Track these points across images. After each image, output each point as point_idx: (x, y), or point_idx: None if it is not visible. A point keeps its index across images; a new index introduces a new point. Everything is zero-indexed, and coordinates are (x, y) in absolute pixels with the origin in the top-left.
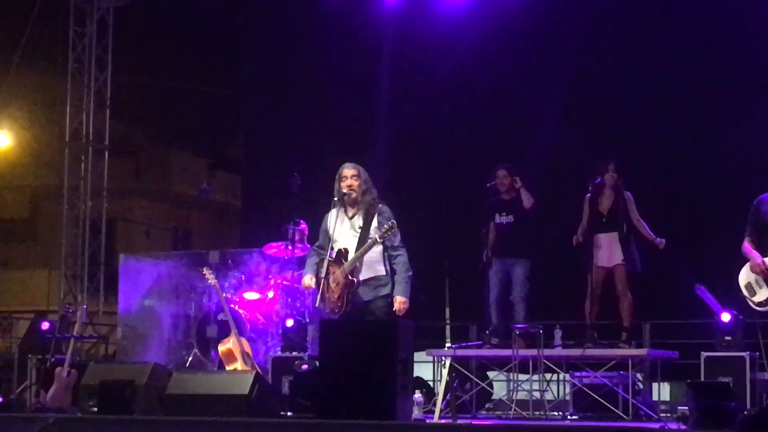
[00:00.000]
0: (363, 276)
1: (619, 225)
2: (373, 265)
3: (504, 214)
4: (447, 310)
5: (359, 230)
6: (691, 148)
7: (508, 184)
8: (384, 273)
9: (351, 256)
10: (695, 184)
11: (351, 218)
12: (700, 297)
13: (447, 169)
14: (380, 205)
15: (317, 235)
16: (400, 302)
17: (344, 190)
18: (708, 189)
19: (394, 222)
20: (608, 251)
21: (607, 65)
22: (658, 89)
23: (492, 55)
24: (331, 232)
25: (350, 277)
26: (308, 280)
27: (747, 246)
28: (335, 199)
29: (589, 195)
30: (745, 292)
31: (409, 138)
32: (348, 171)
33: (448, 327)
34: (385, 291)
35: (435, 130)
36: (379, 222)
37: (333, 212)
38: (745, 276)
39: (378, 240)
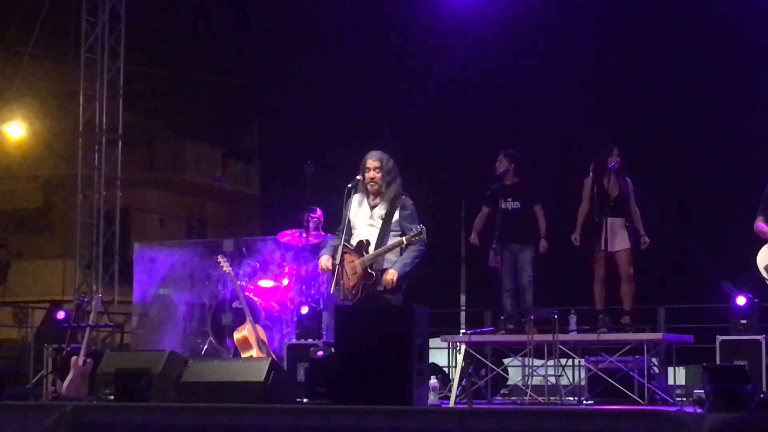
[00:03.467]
0: (381, 268)
1: (626, 211)
2: (391, 256)
3: (510, 200)
4: (462, 297)
5: (380, 221)
6: (703, 130)
7: (503, 169)
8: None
9: (372, 248)
10: (708, 166)
11: (373, 207)
12: (726, 293)
13: (462, 155)
14: (403, 197)
15: (334, 222)
16: (391, 274)
17: (367, 182)
18: (721, 172)
19: (424, 228)
20: (614, 236)
21: (617, 50)
22: (668, 72)
23: (504, 42)
24: (351, 217)
25: (369, 271)
26: (325, 261)
27: (762, 225)
28: (349, 186)
29: (589, 177)
30: (764, 273)
31: (423, 124)
32: (371, 162)
33: (463, 314)
34: (402, 283)
35: (449, 117)
36: (401, 215)
37: (356, 197)
38: (765, 256)
39: (404, 242)
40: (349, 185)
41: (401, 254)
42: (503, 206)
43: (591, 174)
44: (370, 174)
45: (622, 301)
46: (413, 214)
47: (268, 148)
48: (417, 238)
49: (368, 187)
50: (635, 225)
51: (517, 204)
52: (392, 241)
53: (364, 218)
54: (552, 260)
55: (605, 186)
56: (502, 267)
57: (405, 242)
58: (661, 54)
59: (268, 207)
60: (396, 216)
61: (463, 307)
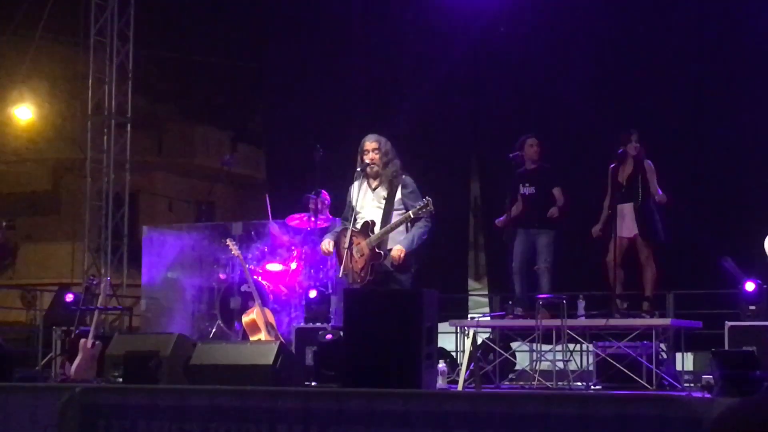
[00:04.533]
0: (387, 247)
1: (635, 195)
2: (397, 236)
3: (527, 185)
4: (470, 282)
5: (383, 201)
6: (716, 116)
7: (535, 152)
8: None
9: (377, 228)
10: (719, 152)
11: (374, 189)
12: (726, 269)
13: (468, 141)
14: (403, 176)
15: (340, 206)
16: (398, 250)
17: (366, 163)
18: (732, 158)
19: (430, 200)
20: (628, 221)
21: (633, 34)
22: (684, 59)
23: (516, 26)
24: (354, 203)
25: (377, 250)
26: (326, 245)
27: None
28: (358, 170)
29: (613, 165)
30: None
31: (432, 108)
32: (369, 144)
33: (484, 297)
34: (410, 264)
35: (458, 101)
36: (403, 193)
37: (356, 184)
38: None
39: (411, 216)
40: (358, 169)
41: (407, 232)
42: (521, 191)
43: (615, 161)
44: (369, 156)
45: (641, 286)
46: (415, 191)
47: (273, 133)
48: (423, 210)
49: (367, 170)
50: (658, 201)
51: (532, 189)
52: (397, 218)
53: (368, 201)
54: (560, 245)
55: (619, 171)
56: (513, 250)
57: (412, 216)
58: (678, 38)
59: (275, 191)
60: (398, 195)
61: (486, 292)
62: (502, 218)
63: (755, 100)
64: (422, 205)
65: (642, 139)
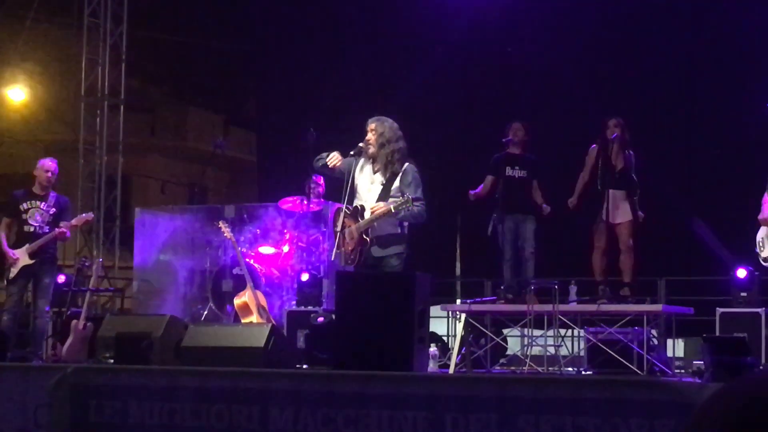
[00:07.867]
0: (377, 233)
1: (628, 184)
2: (388, 222)
3: (517, 168)
4: (458, 266)
5: (381, 186)
6: (707, 100)
7: (521, 137)
8: (398, 231)
9: (367, 214)
10: (711, 138)
11: (375, 172)
12: (697, 232)
13: (461, 124)
14: (406, 164)
15: (334, 190)
16: (377, 206)
17: (360, 145)
18: (723, 144)
19: (409, 197)
20: (616, 208)
21: (622, 20)
22: (675, 43)
23: (509, 11)
24: (354, 180)
25: (364, 237)
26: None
27: (766, 198)
28: (351, 153)
29: (595, 146)
30: (757, 248)
31: (424, 93)
32: (368, 126)
33: (458, 283)
34: (399, 249)
35: (450, 86)
36: (402, 182)
37: (360, 162)
38: (761, 231)
39: (392, 210)
40: (352, 153)
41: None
42: (509, 173)
43: (597, 143)
44: (367, 136)
45: (621, 272)
46: (415, 181)
47: (266, 116)
48: (403, 206)
49: (364, 150)
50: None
51: (524, 173)
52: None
53: (365, 183)
54: (553, 231)
55: (610, 157)
56: (503, 236)
57: (393, 210)
58: (665, 23)
59: (266, 174)
60: (396, 182)
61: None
62: (478, 190)
63: (748, 87)
64: (402, 201)
65: (633, 123)
